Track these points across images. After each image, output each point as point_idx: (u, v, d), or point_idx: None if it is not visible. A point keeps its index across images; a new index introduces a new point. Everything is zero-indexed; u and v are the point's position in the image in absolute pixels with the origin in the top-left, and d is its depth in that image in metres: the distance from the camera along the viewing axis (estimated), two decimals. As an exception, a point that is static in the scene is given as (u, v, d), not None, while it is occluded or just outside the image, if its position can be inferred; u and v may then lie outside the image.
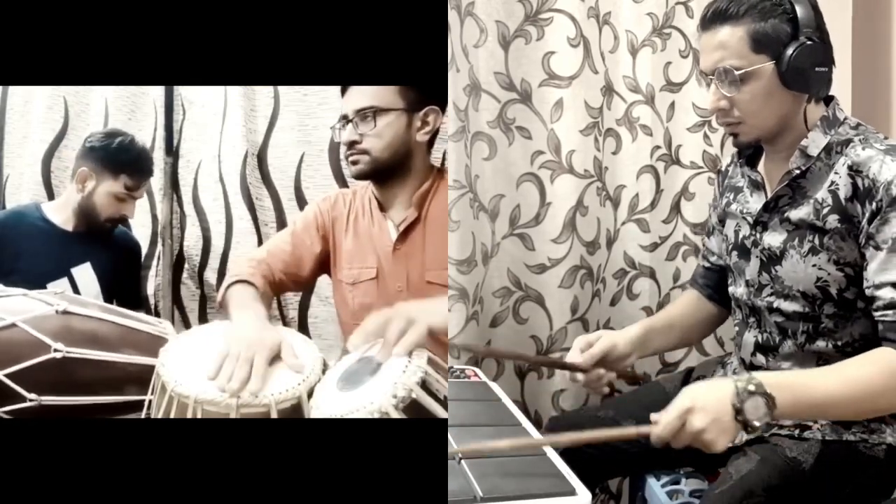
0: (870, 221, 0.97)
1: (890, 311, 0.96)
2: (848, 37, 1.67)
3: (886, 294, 0.96)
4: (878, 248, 0.97)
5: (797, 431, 1.08)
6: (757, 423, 0.89)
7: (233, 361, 0.92)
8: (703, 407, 0.90)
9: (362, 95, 1.27)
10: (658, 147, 1.70)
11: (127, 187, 1.65)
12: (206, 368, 0.91)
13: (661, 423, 0.92)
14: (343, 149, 1.32)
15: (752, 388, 0.90)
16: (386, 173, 1.30)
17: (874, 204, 0.96)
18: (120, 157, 1.64)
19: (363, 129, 1.27)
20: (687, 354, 1.75)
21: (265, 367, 0.93)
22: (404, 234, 1.31)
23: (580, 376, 1.22)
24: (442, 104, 1.33)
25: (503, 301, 1.60)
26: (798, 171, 1.06)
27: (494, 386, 1.27)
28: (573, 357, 1.22)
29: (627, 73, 1.66)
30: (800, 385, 0.95)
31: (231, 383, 0.89)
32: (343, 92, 1.31)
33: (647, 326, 1.29)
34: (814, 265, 1.04)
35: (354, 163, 1.30)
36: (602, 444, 1.20)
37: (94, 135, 1.72)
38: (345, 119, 1.30)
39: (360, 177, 1.32)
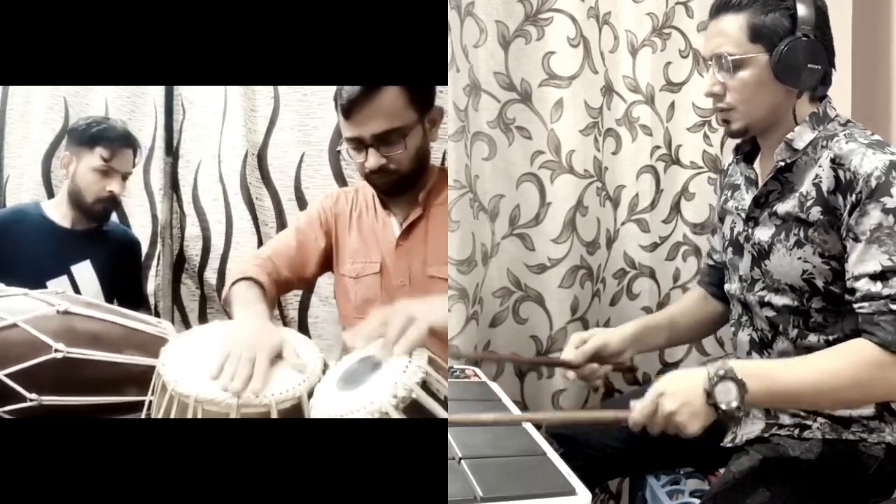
0: (850, 213, 0.98)
1: (866, 303, 0.96)
2: (848, 37, 1.67)
3: (863, 286, 0.96)
4: (857, 239, 0.97)
5: (797, 431, 1.08)
6: (725, 407, 0.92)
7: (235, 361, 0.92)
8: (675, 391, 0.94)
9: (379, 119, 1.19)
10: (658, 147, 1.70)
11: (104, 158, 1.67)
12: (207, 368, 0.92)
13: (637, 408, 0.96)
14: (364, 169, 1.26)
15: (722, 373, 0.93)
16: (408, 182, 1.29)
17: (854, 196, 0.97)
18: (92, 131, 1.69)
19: (389, 152, 1.22)
20: (687, 354, 1.75)
21: (267, 368, 0.93)
22: (407, 230, 1.32)
23: (570, 373, 1.26)
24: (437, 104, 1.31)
25: (503, 301, 1.60)
26: (783, 164, 1.07)
27: (494, 386, 1.27)
28: (567, 353, 1.26)
29: (627, 73, 1.67)
30: (770, 373, 0.98)
31: (233, 383, 0.88)
32: (346, 114, 1.20)
33: (645, 324, 1.32)
34: (799, 258, 1.04)
35: (381, 182, 1.27)
36: (601, 445, 1.22)
37: (75, 122, 1.77)
38: (356, 142, 1.23)
39: (386, 192, 1.30)
